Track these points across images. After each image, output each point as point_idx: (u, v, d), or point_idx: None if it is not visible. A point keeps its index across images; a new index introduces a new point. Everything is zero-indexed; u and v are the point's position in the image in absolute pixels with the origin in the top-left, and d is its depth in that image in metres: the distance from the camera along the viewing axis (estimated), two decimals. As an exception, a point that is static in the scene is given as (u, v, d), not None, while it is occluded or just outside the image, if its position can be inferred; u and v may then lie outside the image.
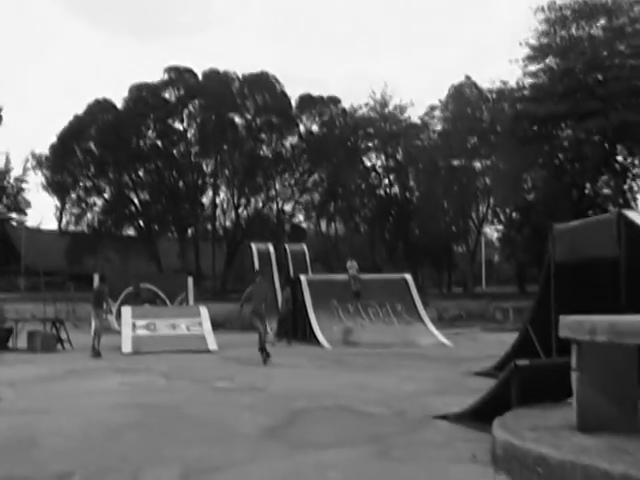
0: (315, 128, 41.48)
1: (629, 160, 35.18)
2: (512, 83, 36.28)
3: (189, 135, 40.32)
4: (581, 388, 4.74)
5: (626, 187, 34.94)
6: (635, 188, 35.25)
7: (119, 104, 38.60)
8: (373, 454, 5.21)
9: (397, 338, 17.08)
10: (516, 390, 5.68)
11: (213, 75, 38.61)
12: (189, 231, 41.62)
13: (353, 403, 7.63)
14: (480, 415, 5.95)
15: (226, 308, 23.67)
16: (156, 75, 43.52)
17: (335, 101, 40.77)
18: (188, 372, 10.97)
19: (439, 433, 5.94)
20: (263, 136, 40.54)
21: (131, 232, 41.88)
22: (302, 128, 41.26)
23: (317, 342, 16.96)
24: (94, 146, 38.96)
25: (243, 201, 41.36)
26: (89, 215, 40.69)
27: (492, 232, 47.96)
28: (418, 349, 15.51)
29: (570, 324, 4.79)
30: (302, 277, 19.58)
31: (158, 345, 14.79)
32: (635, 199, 34.72)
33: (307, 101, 40.15)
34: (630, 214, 7.97)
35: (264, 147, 41.01)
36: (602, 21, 33.51)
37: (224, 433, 6.06)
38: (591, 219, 9.25)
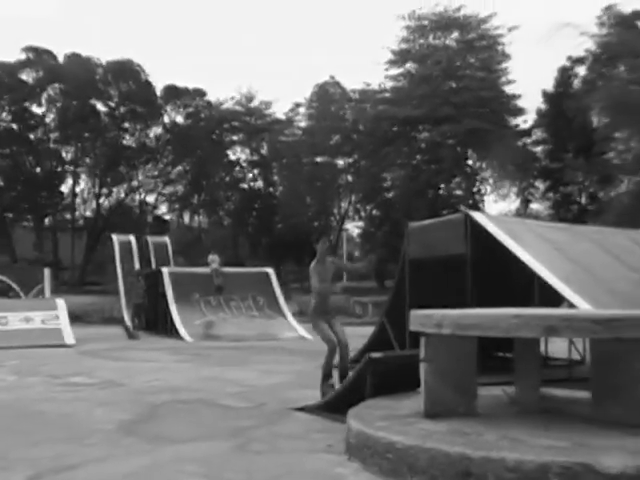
0: (180, 119, 40.81)
1: (478, 164, 37.57)
2: (375, 85, 37.55)
3: (48, 120, 38.26)
4: (428, 378, 5.07)
5: (475, 189, 37.28)
6: (483, 191, 37.70)
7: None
8: (232, 447, 5.28)
9: (258, 332, 17.25)
10: (370, 382, 5.95)
11: (75, 59, 36.87)
12: (47, 220, 39.65)
13: (213, 397, 7.67)
14: (336, 406, 6.18)
15: (85, 300, 22.85)
16: (12, 54, 41.12)
17: (201, 93, 40.24)
18: (42, 368, 10.54)
19: (297, 425, 6.12)
20: (127, 125, 39.29)
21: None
22: (167, 119, 40.49)
23: (178, 335, 16.81)
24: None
25: (105, 191, 39.95)
26: None
27: (353, 228, 49.26)
28: (279, 342, 15.74)
29: (419, 318, 5.11)
30: (164, 269, 19.33)
31: (10, 340, 14.07)
32: (483, 201, 37.13)
33: (172, 92, 39.33)
34: (475, 215, 8.58)
35: (127, 136, 39.78)
36: (455, 34, 35.77)
37: (79, 430, 5.91)
38: (442, 219, 9.81)
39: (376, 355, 6.14)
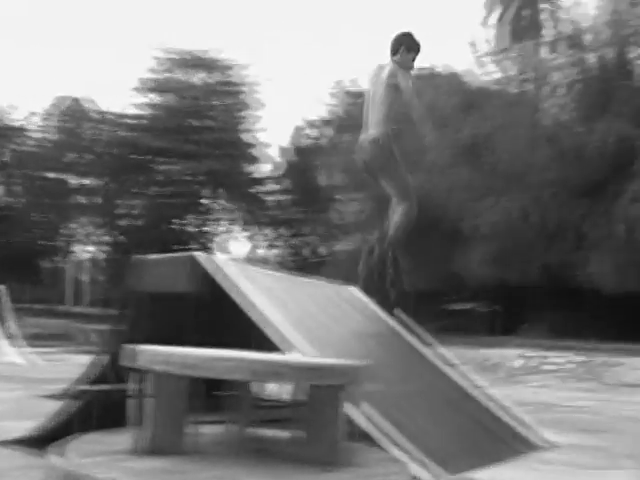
0: None
1: (213, 204, 38.57)
2: (117, 109, 36.88)
3: None
4: (139, 414, 5.17)
5: (207, 229, 38.14)
6: (214, 231, 38.70)
7: None
8: None
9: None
10: (79, 415, 5.85)
11: None
12: None
13: None
14: (42, 440, 5.96)
15: None
16: None
17: None
18: None
19: (-4, 460, 5.79)
20: None
21: None
22: None
23: None
24: None
25: None
26: None
27: (83, 252, 47.14)
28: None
29: (130, 353, 5.19)
30: None
31: None
32: (213, 241, 38.12)
33: None
34: (199, 256, 8.88)
35: None
36: (202, 74, 36.58)
37: None
38: (168, 255, 9.90)
39: (85, 388, 6.05)
